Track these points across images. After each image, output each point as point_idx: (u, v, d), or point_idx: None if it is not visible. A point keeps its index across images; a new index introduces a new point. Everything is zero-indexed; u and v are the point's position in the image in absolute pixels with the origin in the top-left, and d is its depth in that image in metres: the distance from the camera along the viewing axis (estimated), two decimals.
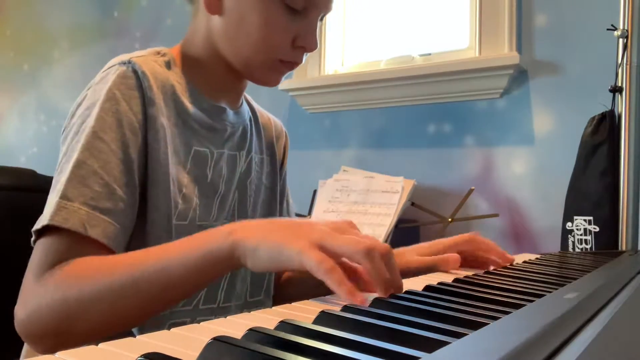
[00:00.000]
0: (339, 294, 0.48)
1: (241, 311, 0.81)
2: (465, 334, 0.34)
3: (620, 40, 1.45)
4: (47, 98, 2.97)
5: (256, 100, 1.02)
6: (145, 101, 0.72)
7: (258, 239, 0.54)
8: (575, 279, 0.64)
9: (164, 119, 0.74)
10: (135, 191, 0.70)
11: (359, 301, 0.46)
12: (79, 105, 0.74)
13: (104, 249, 0.65)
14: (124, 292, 0.58)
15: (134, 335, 0.36)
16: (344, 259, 0.54)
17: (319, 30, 0.83)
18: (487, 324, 0.37)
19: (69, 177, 0.65)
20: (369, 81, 1.93)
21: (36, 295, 0.61)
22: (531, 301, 0.48)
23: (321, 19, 0.82)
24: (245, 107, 0.92)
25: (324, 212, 1.76)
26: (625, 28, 1.44)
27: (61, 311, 0.59)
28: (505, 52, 1.69)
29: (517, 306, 0.46)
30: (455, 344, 0.30)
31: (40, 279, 0.62)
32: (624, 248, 1.39)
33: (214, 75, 0.83)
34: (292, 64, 0.80)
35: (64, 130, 0.74)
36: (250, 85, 0.95)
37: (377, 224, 1.63)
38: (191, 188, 0.78)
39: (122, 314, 0.59)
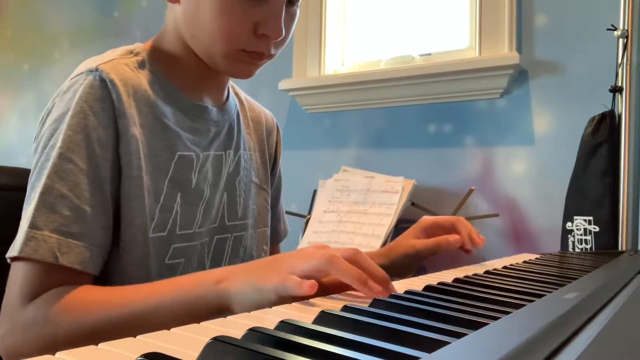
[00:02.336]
0: (297, 293, 0.51)
1: None
2: (465, 334, 0.34)
3: (620, 40, 1.45)
4: (47, 98, 2.95)
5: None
6: (115, 113, 0.69)
7: (238, 285, 0.56)
8: (575, 279, 0.64)
9: (135, 130, 0.70)
10: (108, 209, 0.68)
11: (307, 286, 0.50)
12: (49, 113, 0.71)
13: (80, 274, 0.64)
14: (107, 334, 0.57)
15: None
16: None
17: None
18: (487, 324, 0.37)
19: (37, 204, 0.63)
20: (369, 81, 1.93)
21: (23, 324, 0.61)
22: (531, 301, 0.48)
23: (291, 4, 0.75)
24: (231, 101, 0.87)
25: (324, 212, 1.76)
26: (625, 28, 1.44)
27: (48, 346, 0.59)
28: (505, 52, 1.69)
29: (517, 306, 0.46)
30: (455, 344, 0.30)
31: (25, 308, 0.62)
32: (624, 248, 1.39)
33: (191, 70, 0.78)
34: (259, 54, 0.74)
35: (35, 139, 0.71)
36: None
37: (377, 224, 1.63)
38: (172, 196, 0.74)
39: None
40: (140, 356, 0.30)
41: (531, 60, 1.68)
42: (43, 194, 0.64)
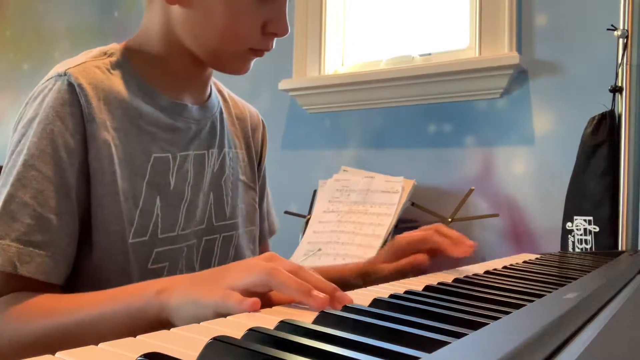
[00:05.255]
0: (238, 311, 0.47)
1: None
2: (465, 334, 0.34)
3: (620, 40, 1.45)
4: None
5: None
6: (84, 118, 0.67)
7: (179, 297, 0.53)
8: (575, 279, 0.64)
9: (107, 134, 0.69)
10: (74, 217, 0.66)
11: (249, 304, 0.46)
12: (20, 119, 0.70)
13: (42, 283, 0.63)
14: (54, 342, 0.56)
15: None
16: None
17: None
18: (487, 324, 0.37)
19: None
20: (369, 81, 1.93)
21: None
22: (531, 301, 0.48)
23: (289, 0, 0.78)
24: (214, 99, 0.85)
25: (324, 212, 1.76)
26: (625, 28, 1.44)
27: None
28: (505, 52, 1.69)
29: (517, 306, 0.46)
30: (455, 344, 0.30)
31: None
32: (624, 248, 1.39)
33: (173, 69, 0.78)
34: (262, 51, 0.77)
35: (9, 144, 0.70)
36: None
37: (377, 224, 1.63)
38: (151, 199, 0.73)
39: None
40: (140, 356, 0.30)
41: (531, 60, 1.68)
42: (6, 202, 0.63)
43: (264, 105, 2.13)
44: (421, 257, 0.81)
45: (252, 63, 0.79)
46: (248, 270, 0.52)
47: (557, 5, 1.64)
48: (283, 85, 2.09)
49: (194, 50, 0.75)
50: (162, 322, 0.53)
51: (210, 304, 0.50)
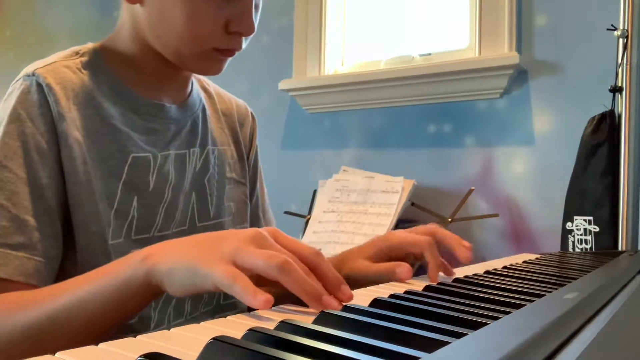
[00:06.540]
0: (246, 301, 0.44)
1: (212, 317, 0.75)
2: (465, 334, 0.34)
3: (620, 40, 1.45)
4: None
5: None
6: (54, 118, 0.66)
7: (172, 261, 0.50)
8: (575, 279, 0.64)
9: (78, 134, 0.67)
10: (54, 218, 0.65)
11: (263, 301, 0.43)
12: None
13: (24, 287, 0.60)
14: (42, 331, 0.53)
15: None
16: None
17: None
18: (487, 324, 0.37)
19: None
20: (369, 81, 1.93)
21: None
22: (531, 301, 0.48)
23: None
24: (195, 96, 0.83)
25: (324, 212, 1.76)
26: (625, 28, 1.44)
27: None
28: (505, 52, 1.69)
29: (517, 306, 0.46)
30: (455, 344, 0.30)
31: None
32: (623, 248, 1.39)
33: (148, 69, 0.75)
34: (230, 50, 0.73)
35: None
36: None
37: (377, 224, 1.63)
38: (127, 200, 0.71)
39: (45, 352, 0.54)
40: (140, 356, 0.30)
41: (531, 60, 1.68)
42: None
43: (264, 105, 2.13)
44: (404, 271, 0.67)
45: (226, 63, 0.75)
46: (256, 250, 0.48)
47: (557, 5, 1.64)
48: (283, 85, 2.09)
49: (159, 50, 0.73)
50: (152, 290, 0.51)
51: (210, 278, 0.46)
